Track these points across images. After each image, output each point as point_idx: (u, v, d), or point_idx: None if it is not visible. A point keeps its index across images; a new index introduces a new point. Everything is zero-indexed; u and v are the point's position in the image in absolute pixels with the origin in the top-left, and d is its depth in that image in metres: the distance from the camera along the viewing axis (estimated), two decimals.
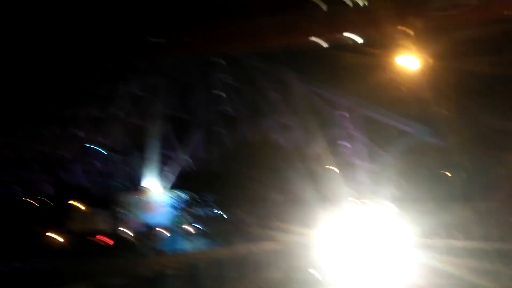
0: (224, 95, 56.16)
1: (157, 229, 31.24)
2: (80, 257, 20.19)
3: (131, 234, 30.35)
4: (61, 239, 25.96)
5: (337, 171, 37.95)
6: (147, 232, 31.00)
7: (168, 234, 29.59)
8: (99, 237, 27.17)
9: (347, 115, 50.57)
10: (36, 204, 29.86)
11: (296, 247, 20.23)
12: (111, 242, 27.02)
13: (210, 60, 55.45)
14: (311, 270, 15.36)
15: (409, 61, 9.77)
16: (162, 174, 48.40)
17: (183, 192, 28.67)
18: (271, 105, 54.67)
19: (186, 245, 25.05)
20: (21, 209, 27.10)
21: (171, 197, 33.81)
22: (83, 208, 30.78)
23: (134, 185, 46.93)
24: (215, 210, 27.47)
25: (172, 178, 49.31)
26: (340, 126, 50.72)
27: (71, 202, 30.86)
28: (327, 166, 40.43)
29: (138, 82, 54.75)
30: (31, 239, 23.50)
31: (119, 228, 31.08)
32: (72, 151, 51.09)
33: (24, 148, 49.64)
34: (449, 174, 22.83)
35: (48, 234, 25.49)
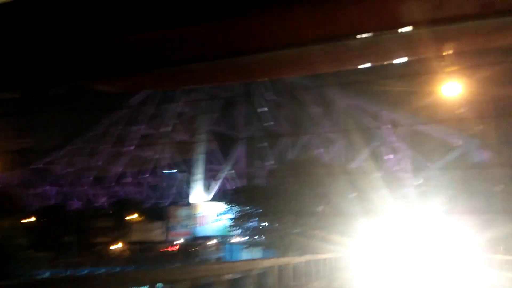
0: (267, 111, 57.54)
1: (209, 239, 32.68)
2: (142, 264, 21.71)
3: (185, 244, 31.90)
4: (122, 248, 27.96)
5: (382, 184, 38.03)
6: (199, 242, 32.43)
7: (219, 245, 30.83)
8: (164, 246, 28.95)
9: (392, 128, 50.29)
10: (96, 216, 32.03)
11: (341, 258, 20.84)
12: (175, 248, 28.65)
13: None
14: (355, 282, 15.94)
15: (451, 85, 10.47)
16: (210, 188, 50.24)
17: (230, 204, 29.82)
18: (314, 120, 55.40)
19: (235, 255, 26.04)
20: (82, 220, 29.24)
21: (220, 210, 35.13)
22: (139, 220, 32.72)
23: (185, 199, 49.04)
24: (262, 222, 28.33)
25: (219, 191, 51.04)
26: (385, 139, 50.53)
27: (128, 214, 32.86)
28: (372, 179, 40.59)
29: (185, 100, 57.37)
30: (94, 248, 25.44)
31: (174, 239, 32.79)
32: (125, 167, 54.18)
33: (82, 164, 53.17)
34: (494, 188, 22.75)
35: (110, 243, 27.46)
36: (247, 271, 13.34)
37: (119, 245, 27.97)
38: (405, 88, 28.59)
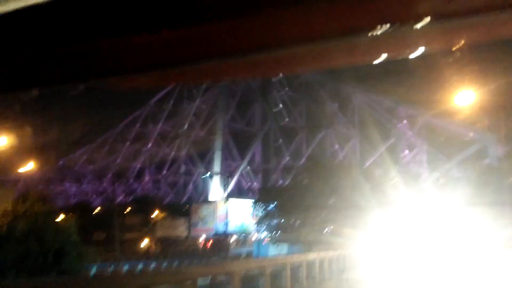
0: (283, 108, 58.08)
1: (231, 236, 33.64)
2: (171, 260, 22.63)
3: (208, 241, 32.96)
4: (151, 244, 29.02)
5: (399, 179, 38.42)
6: (222, 238, 33.40)
7: (246, 240, 31.74)
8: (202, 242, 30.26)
9: (409, 123, 50.35)
10: (123, 213, 32.96)
11: (359, 253, 21.39)
12: (209, 244, 29.86)
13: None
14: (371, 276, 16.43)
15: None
16: (227, 185, 51.06)
17: (256, 202, 30.48)
18: (330, 117, 55.82)
19: (264, 250, 26.82)
20: (111, 217, 30.03)
21: (240, 207, 36.04)
22: (163, 217, 33.67)
23: (203, 195, 49.99)
24: (286, 219, 28.88)
25: (236, 188, 51.89)
26: (401, 135, 50.65)
27: (151, 211, 33.84)
28: (389, 177, 41.07)
29: (202, 98, 58.16)
30: (126, 244, 26.38)
31: (197, 235, 33.84)
32: (145, 165, 55.27)
33: (102, 162, 54.30)
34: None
35: (139, 239, 28.50)
36: (281, 265, 14.28)
37: (146, 240, 29.10)
38: (419, 82, 29.21)
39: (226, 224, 35.70)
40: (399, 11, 1.39)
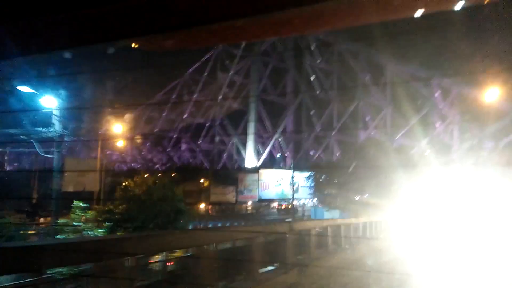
0: (316, 78, 58.33)
1: (277, 202, 35.90)
2: (232, 220, 24.65)
3: (253, 206, 35.35)
4: (208, 208, 31.29)
5: (430, 151, 39.19)
6: (266, 204, 35.68)
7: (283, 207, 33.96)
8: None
9: (442, 94, 50.21)
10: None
11: (392, 220, 22.87)
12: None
13: (302, 45, 58.00)
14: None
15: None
16: (260, 154, 52.63)
17: (309, 174, 31.93)
18: (362, 87, 55.82)
19: (319, 214, 28.83)
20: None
21: (276, 176, 37.99)
22: (212, 184, 35.72)
23: (238, 164, 51.73)
24: (328, 189, 30.48)
25: (269, 158, 53.40)
26: (434, 106, 50.58)
27: (197, 179, 35.90)
28: (420, 148, 41.86)
29: (235, 67, 58.83)
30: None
31: (244, 201, 36.17)
32: (181, 134, 56.93)
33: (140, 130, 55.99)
34: None
35: (197, 204, 30.63)
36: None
37: (202, 205, 31.32)
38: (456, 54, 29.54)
39: (269, 192, 37.79)
40: None
